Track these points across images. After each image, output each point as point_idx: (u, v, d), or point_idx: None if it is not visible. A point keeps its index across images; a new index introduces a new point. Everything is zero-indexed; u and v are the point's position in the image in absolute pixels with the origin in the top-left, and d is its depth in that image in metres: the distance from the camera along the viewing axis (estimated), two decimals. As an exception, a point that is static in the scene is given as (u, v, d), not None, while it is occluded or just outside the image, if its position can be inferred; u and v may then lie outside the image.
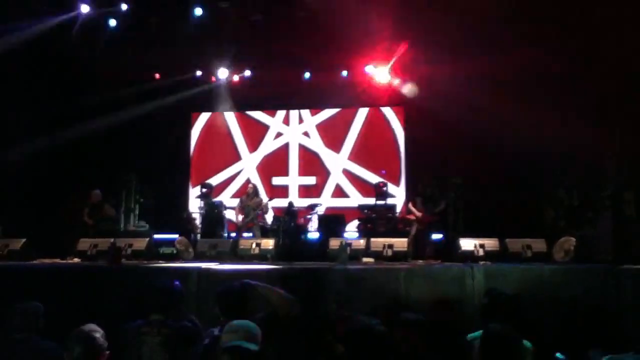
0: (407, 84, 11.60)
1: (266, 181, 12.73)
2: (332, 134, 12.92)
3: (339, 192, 12.66)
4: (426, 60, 10.84)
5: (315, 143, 12.99)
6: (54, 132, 10.84)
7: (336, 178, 12.77)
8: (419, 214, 9.44)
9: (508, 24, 9.26)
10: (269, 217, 10.63)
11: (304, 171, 12.87)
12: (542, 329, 4.57)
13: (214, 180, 12.41)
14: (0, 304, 4.03)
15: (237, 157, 13.18)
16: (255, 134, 13.23)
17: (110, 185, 11.21)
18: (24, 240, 8.01)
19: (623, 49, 8.64)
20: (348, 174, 12.73)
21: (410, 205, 9.86)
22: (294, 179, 12.84)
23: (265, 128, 13.23)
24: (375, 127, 12.62)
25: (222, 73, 12.23)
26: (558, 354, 3.52)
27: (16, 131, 10.41)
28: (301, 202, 11.68)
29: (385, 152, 12.50)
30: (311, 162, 12.91)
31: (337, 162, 12.81)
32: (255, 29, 10.81)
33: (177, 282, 3.90)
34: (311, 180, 12.79)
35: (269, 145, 13.20)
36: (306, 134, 13.08)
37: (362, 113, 12.73)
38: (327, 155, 12.90)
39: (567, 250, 7.24)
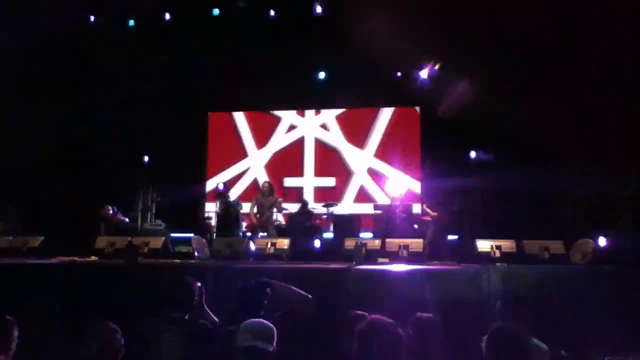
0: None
1: (277, 182, 10.83)
2: (355, 128, 11.41)
3: (363, 196, 11.09)
4: (445, 61, 10.83)
5: (335, 137, 11.48)
6: (72, 131, 10.96)
7: (360, 179, 11.26)
8: (434, 214, 9.38)
9: (523, 26, 9.21)
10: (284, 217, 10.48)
11: (321, 171, 11.49)
12: (558, 331, 4.52)
13: (220, 179, 11.50)
14: (18, 301, 4.08)
15: (243, 154, 11.85)
16: (264, 127, 11.78)
17: (127, 184, 11.34)
18: (42, 237, 8.11)
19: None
20: (374, 174, 11.20)
21: (424, 206, 9.78)
22: (309, 180, 11.51)
23: (276, 120, 11.79)
24: (396, 126, 11.38)
25: (239, 72, 12.16)
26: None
27: (35, 129, 10.54)
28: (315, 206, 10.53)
29: (406, 151, 11.22)
30: (330, 160, 11.45)
31: (362, 160, 11.27)
32: (271, 28, 10.82)
33: (196, 280, 3.91)
34: (330, 181, 11.43)
35: (280, 140, 11.68)
36: (324, 126, 11.57)
37: (385, 111, 11.45)
38: (349, 152, 11.38)
39: (585, 252, 7.17)
